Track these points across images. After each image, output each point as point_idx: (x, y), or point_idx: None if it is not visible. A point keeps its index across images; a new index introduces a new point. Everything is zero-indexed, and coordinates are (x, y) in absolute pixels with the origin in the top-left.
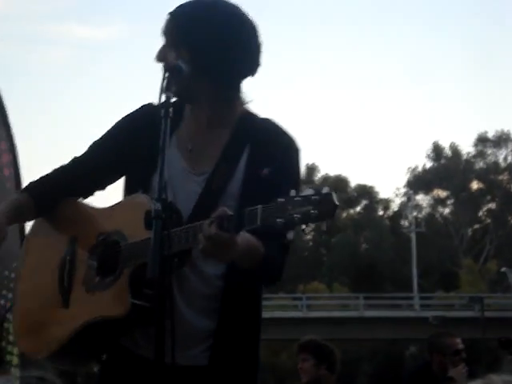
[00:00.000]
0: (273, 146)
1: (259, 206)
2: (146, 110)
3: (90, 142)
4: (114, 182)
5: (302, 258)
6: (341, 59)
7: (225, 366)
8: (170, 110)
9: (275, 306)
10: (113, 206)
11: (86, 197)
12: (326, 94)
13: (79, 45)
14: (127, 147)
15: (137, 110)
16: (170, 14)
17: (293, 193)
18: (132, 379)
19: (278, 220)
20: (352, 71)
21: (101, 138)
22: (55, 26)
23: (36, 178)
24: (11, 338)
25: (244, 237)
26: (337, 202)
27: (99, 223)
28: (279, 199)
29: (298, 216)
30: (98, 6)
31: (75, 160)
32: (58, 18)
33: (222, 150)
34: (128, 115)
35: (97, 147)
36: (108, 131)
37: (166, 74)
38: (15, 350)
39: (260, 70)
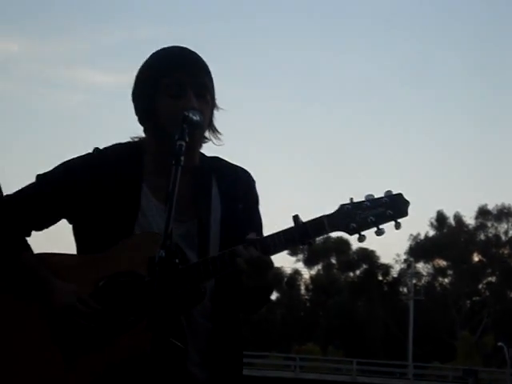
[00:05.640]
0: (235, 182)
1: (323, 216)
2: (97, 158)
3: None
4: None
5: (297, 317)
6: (341, 119)
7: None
8: (182, 158)
9: (268, 365)
10: (107, 250)
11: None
12: (331, 155)
13: (91, 90)
14: (86, 195)
15: (84, 158)
16: (203, 69)
17: (359, 199)
18: None
19: (351, 224)
20: (358, 133)
21: (47, 184)
22: (67, 71)
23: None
24: None
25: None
26: (408, 200)
27: (92, 271)
28: (346, 205)
29: (372, 218)
30: (108, 51)
31: (26, 202)
32: (69, 63)
33: (194, 190)
34: (76, 163)
35: (46, 193)
36: (55, 178)
37: (185, 125)
38: None
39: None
